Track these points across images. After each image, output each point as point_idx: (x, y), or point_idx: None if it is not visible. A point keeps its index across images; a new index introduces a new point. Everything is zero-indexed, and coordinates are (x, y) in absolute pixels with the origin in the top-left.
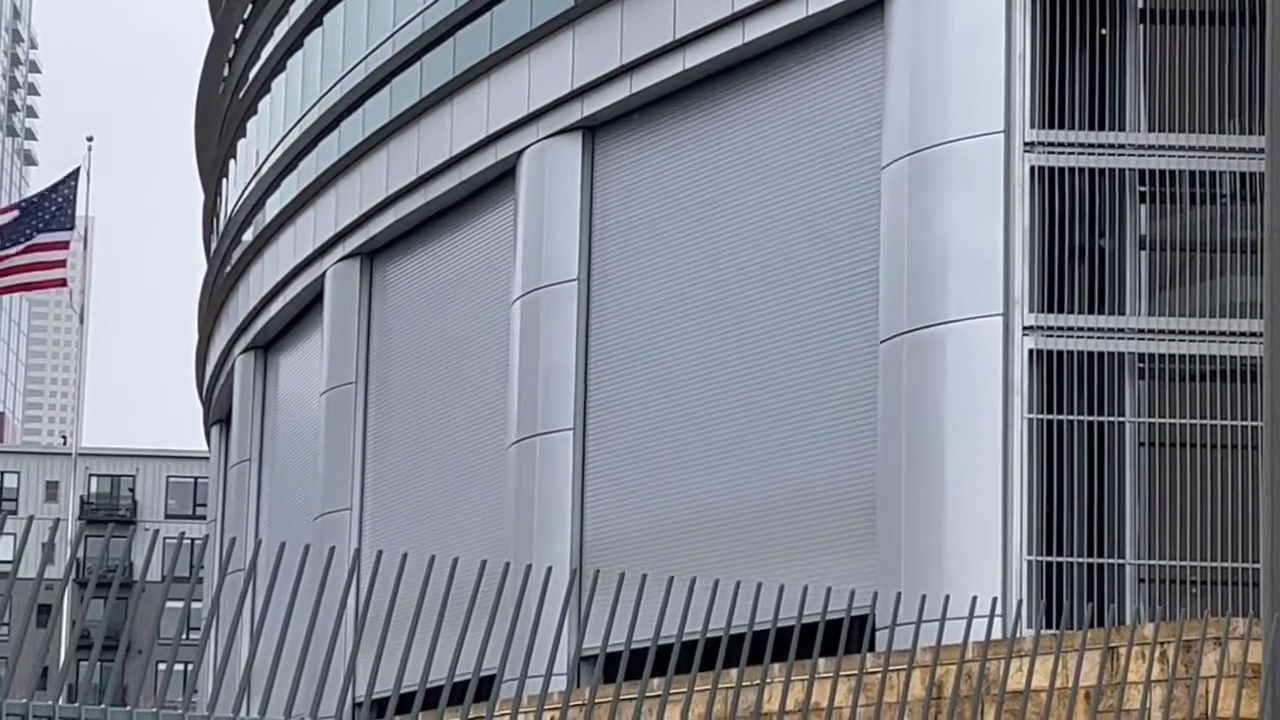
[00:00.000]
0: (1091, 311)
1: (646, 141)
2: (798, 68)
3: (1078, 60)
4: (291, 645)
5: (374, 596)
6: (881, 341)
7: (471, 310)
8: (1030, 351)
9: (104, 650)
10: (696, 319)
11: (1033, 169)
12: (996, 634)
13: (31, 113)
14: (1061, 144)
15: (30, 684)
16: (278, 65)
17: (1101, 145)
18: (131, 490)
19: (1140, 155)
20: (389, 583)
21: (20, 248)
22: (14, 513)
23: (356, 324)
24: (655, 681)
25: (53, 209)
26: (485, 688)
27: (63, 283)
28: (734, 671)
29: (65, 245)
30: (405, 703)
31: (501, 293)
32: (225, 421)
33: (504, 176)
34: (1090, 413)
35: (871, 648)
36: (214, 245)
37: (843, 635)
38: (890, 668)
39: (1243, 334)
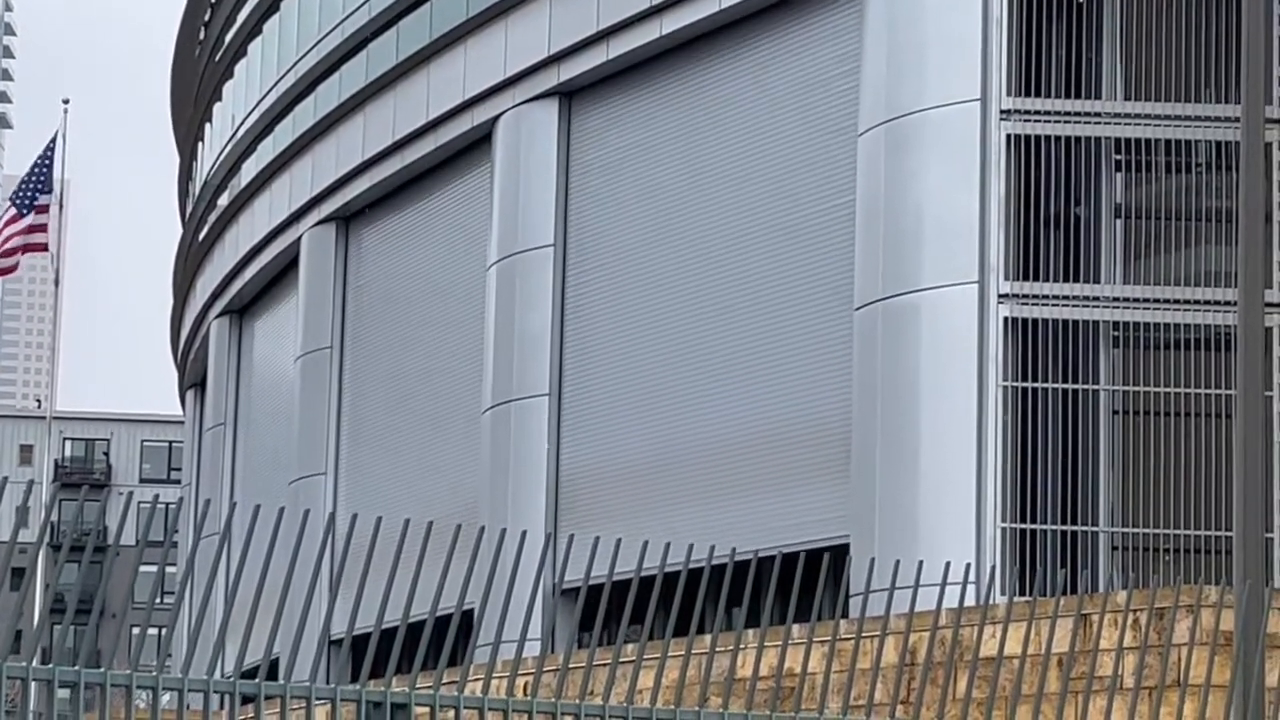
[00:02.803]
0: (1066, 279)
1: (623, 107)
2: (775, 34)
3: (1054, 28)
4: (269, 595)
5: (349, 559)
6: (857, 308)
7: (447, 275)
8: (1005, 319)
9: (78, 614)
10: (672, 285)
11: (1009, 137)
12: (970, 601)
13: (6, 76)
14: (1037, 112)
15: (3, 647)
16: (254, 29)
17: (1077, 113)
18: (106, 454)
19: (1116, 124)
20: (364, 546)
21: (17, 228)
22: None
23: (332, 289)
24: (629, 647)
25: (37, 182)
26: (458, 648)
27: (44, 247)
28: (708, 637)
29: (45, 209)
30: (383, 649)
31: (477, 258)
32: (200, 386)
33: (480, 142)
34: (1065, 380)
35: (845, 613)
36: (189, 209)
37: (816, 602)
38: (864, 634)
39: (1217, 303)
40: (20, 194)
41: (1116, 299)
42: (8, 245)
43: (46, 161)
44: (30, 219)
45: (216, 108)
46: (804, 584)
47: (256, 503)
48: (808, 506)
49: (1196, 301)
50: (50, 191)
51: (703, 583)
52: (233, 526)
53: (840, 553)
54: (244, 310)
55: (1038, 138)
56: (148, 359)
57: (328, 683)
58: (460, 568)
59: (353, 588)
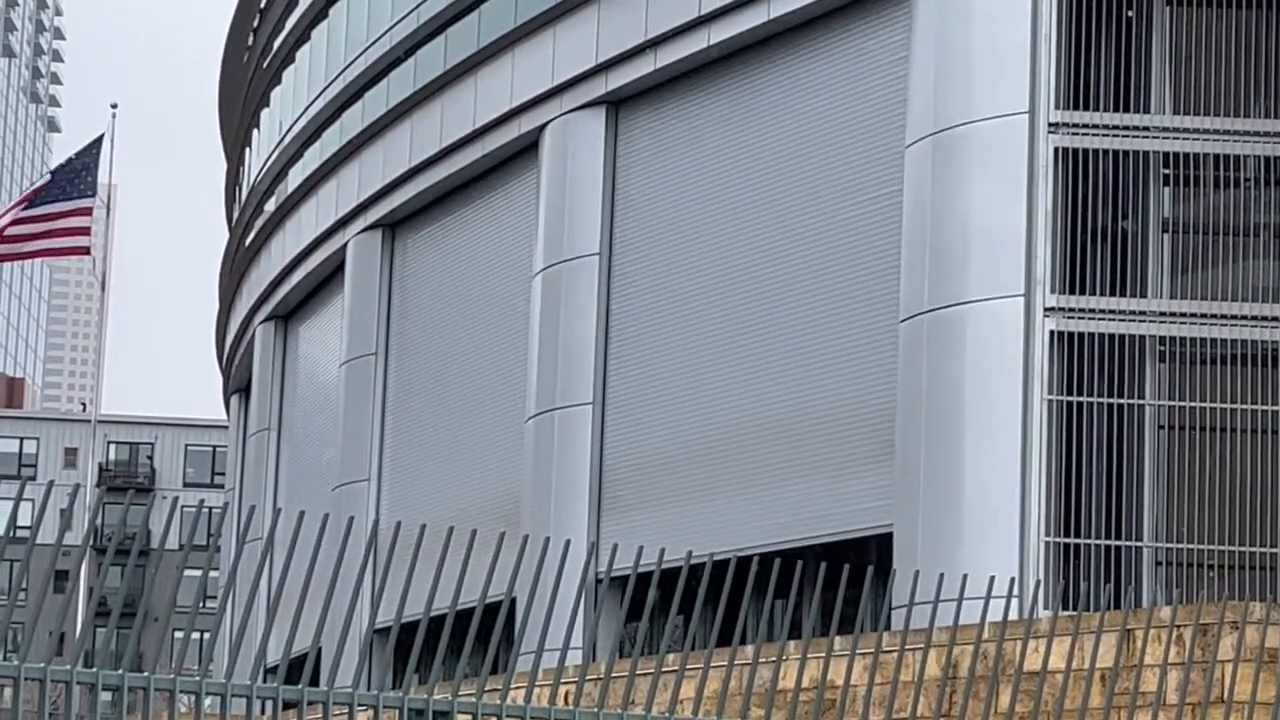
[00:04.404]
0: (1113, 294)
1: (670, 117)
2: (823, 45)
3: (1103, 42)
4: (312, 600)
5: (393, 563)
6: (902, 320)
7: (492, 283)
8: (1051, 333)
9: (121, 617)
10: (717, 295)
11: (1056, 150)
12: (1013, 615)
13: (56, 79)
14: (1086, 125)
15: (48, 650)
16: (302, 35)
17: (1126, 127)
18: (150, 458)
19: (1164, 138)
20: (408, 551)
21: (42, 212)
22: (33, 479)
23: (377, 295)
24: (671, 657)
25: (75, 176)
26: (502, 649)
27: (86, 251)
28: (750, 648)
29: (88, 212)
30: (426, 649)
31: (522, 266)
32: (245, 390)
33: (527, 150)
34: (1110, 395)
35: (888, 625)
36: (236, 214)
37: (859, 613)
38: (906, 647)
39: (1264, 318)
40: (53, 185)
41: (1163, 313)
42: (22, 233)
43: (80, 165)
44: (41, 216)
45: (264, 114)
46: (848, 590)
47: (300, 508)
48: (852, 499)
49: (1244, 317)
50: (93, 195)
51: (750, 576)
52: (276, 532)
53: (884, 542)
54: (289, 316)
55: (1086, 151)
56: (193, 363)
57: (369, 688)
58: (503, 574)
59: (397, 590)
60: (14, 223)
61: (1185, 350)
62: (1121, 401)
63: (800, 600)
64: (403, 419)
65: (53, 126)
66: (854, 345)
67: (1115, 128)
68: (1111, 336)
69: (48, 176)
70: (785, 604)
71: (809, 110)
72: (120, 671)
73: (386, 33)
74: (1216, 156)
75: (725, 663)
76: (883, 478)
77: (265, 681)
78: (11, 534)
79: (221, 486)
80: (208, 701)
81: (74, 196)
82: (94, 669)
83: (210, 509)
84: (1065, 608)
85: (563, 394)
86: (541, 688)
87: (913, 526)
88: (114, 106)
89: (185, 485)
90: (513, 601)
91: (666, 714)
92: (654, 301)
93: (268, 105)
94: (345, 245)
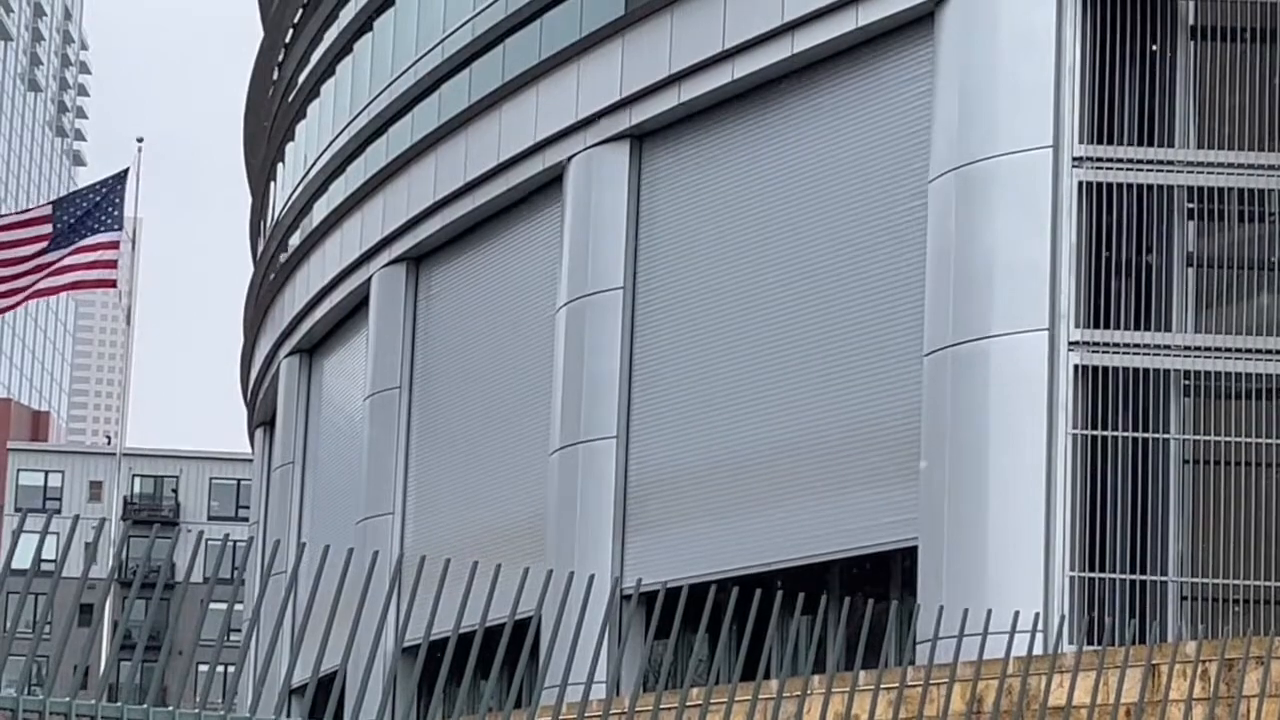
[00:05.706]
0: (1137, 328)
1: (694, 151)
2: (846, 79)
3: (1127, 76)
4: (338, 630)
5: (416, 599)
6: (926, 355)
7: (516, 317)
8: (1075, 367)
9: (146, 651)
10: (741, 330)
11: (1081, 184)
12: (1038, 650)
13: (81, 114)
14: (1110, 159)
15: (73, 684)
16: (327, 70)
17: (1150, 161)
18: (175, 491)
19: (1189, 172)
20: (431, 587)
21: (69, 250)
22: (58, 512)
23: (401, 329)
24: (695, 691)
25: (100, 211)
26: (528, 679)
27: (112, 284)
28: (774, 682)
29: (115, 245)
30: (455, 671)
31: (547, 300)
32: (269, 424)
33: (551, 184)
34: (1135, 429)
35: (912, 660)
36: (261, 248)
37: (886, 646)
38: (931, 682)
39: None
40: (67, 229)
41: (1188, 348)
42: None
43: (99, 198)
44: (68, 253)
45: (289, 147)
46: (874, 608)
47: (324, 542)
48: (876, 512)
49: (1269, 351)
50: (119, 229)
51: (776, 601)
52: (300, 566)
53: (909, 557)
54: (314, 349)
55: (1110, 185)
56: (217, 397)
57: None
58: (527, 607)
59: (422, 620)
60: (39, 269)
61: (1210, 384)
62: (1146, 436)
63: (825, 628)
64: (427, 453)
65: (78, 160)
66: (877, 377)
67: (1139, 162)
68: (1136, 370)
69: (48, 208)
70: (811, 621)
71: (833, 144)
72: (145, 706)
73: (411, 67)
74: (1241, 190)
75: (749, 697)
76: (907, 497)
77: (289, 715)
78: (37, 568)
79: (246, 520)
80: None
81: (98, 231)
82: (118, 703)
83: (235, 543)
84: (1090, 643)
85: (587, 427)
86: None
87: (937, 561)
88: (140, 141)
89: (209, 519)
90: (537, 633)
91: None
92: (678, 335)
93: (292, 139)
94: (370, 279)
